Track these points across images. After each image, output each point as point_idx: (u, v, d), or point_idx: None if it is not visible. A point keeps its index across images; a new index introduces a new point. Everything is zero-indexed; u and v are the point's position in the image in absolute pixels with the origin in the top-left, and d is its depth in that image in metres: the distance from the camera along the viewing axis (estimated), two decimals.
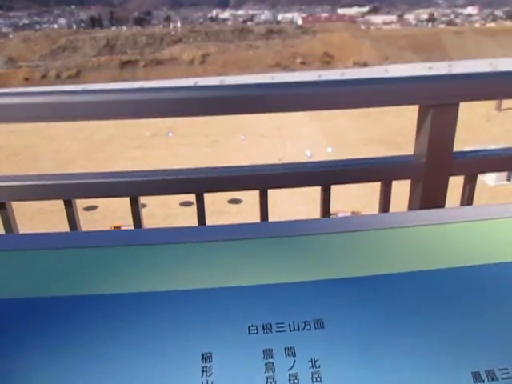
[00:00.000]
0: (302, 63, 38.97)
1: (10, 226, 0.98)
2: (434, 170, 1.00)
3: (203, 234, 0.61)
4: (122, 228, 11.21)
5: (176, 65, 37.73)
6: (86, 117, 0.90)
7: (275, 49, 40.90)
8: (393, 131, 19.23)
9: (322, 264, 0.57)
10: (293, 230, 0.62)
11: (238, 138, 18.85)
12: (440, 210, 0.72)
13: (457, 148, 1.00)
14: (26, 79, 33.39)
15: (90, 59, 37.96)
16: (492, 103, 35.63)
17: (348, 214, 11.70)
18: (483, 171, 1.07)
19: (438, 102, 0.95)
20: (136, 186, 0.97)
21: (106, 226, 11.05)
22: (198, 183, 0.98)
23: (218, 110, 0.92)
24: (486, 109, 22.45)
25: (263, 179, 1.00)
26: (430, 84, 0.96)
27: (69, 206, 0.98)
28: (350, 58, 39.50)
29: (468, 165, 1.04)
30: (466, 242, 0.61)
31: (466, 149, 1.20)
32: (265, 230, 0.62)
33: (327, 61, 39.43)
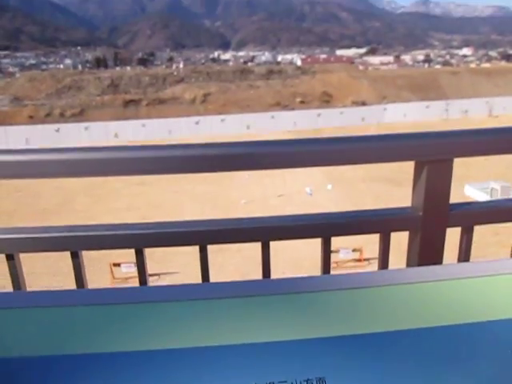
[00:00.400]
0: (302, 102, 39.74)
1: (17, 277, 1.00)
2: (431, 222, 1.02)
3: (207, 291, 0.62)
4: (122, 266, 11.13)
5: (178, 104, 38.51)
6: (92, 173, 0.94)
7: (275, 88, 41.85)
8: (391, 168, 19.44)
9: (323, 322, 0.57)
10: (294, 287, 0.63)
11: (242, 175, 19.02)
12: (438, 267, 0.74)
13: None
14: (31, 117, 34.04)
15: (94, 98, 38.81)
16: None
17: (349, 251, 11.63)
18: (480, 223, 1.09)
19: (432, 158, 0.99)
20: (141, 238, 1.00)
21: (105, 262, 10.97)
22: (201, 235, 1.01)
23: (221, 167, 0.97)
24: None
25: (265, 231, 1.03)
26: (424, 141, 1.00)
27: (75, 257, 1.01)
28: (349, 97, 40.34)
29: (465, 216, 1.07)
30: (464, 299, 0.61)
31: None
32: (267, 288, 0.63)
33: (326, 100, 40.24)
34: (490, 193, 14.49)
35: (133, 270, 10.16)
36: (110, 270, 11.25)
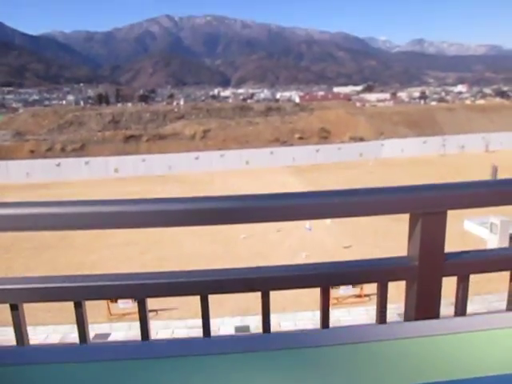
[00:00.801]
0: (300, 138, 40.23)
1: (20, 326, 1.01)
2: (428, 272, 1.05)
3: (208, 346, 0.62)
4: (119, 303, 10.94)
5: (178, 139, 38.94)
6: (93, 226, 0.96)
7: (274, 125, 42.47)
8: None
9: (323, 377, 0.57)
10: (294, 341, 0.63)
11: None
12: (435, 322, 0.75)
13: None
14: (32, 152, 34.35)
15: (95, 134, 39.29)
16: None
17: (349, 287, 11.47)
18: (475, 272, 1.11)
19: (426, 210, 1.02)
20: (143, 288, 1.01)
21: (102, 301, 10.79)
22: (202, 285, 1.03)
23: (215, 220, 1.00)
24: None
25: (265, 281, 1.05)
26: (418, 194, 1.03)
27: (78, 307, 1.02)
28: (347, 133, 40.89)
29: (460, 266, 1.10)
30: (462, 353, 0.61)
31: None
32: (267, 343, 0.63)
33: (324, 136, 40.78)
34: (490, 227, 14.45)
35: (130, 306, 10.01)
36: (106, 305, 11.07)
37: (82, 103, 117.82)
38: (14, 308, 1.00)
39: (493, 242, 12.49)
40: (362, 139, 39.58)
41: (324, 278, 1.07)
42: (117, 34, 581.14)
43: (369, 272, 1.09)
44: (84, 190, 26.42)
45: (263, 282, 1.05)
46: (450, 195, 1.06)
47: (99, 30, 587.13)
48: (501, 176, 23.29)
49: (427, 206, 1.03)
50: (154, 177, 31.56)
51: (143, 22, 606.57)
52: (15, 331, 1.01)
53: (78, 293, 1.00)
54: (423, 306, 1.05)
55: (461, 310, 1.10)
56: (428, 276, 1.05)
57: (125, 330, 10.49)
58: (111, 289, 1.01)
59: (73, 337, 9.01)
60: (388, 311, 1.13)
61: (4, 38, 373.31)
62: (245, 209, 0.97)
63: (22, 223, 0.90)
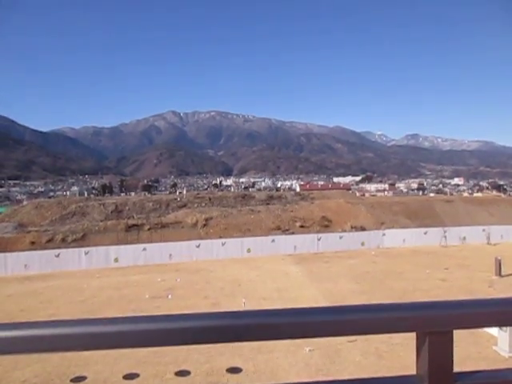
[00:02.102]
0: (302, 226, 40.61)
1: None
2: None
3: None
4: None
5: (179, 228, 39.29)
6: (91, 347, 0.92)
7: (275, 213, 43.11)
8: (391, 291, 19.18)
9: None
10: None
11: (238, 300, 18.65)
12: None
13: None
14: (33, 243, 34.50)
15: (97, 223, 39.74)
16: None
17: None
18: None
19: (433, 329, 1.03)
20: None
21: None
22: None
23: (217, 338, 0.97)
24: (487, 273, 22.79)
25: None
26: (424, 313, 1.04)
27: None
28: (348, 222, 41.33)
29: None
30: None
31: None
32: None
33: (326, 224, 41.18)
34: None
35: None
36: None
37: (86, 194, 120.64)
38: None
39: (504, 340, 12.06)
40: (362, 228, 39.91)
41: None
42: (124, 128, 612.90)
43: None
44: (82, 281, 26.13)
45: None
46: (457, 314, 1.06)
47: (106, 126, 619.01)
48: (505, 268, 23.11)
49: (434, 325, 1.04)
50: (154, 265, 31.33)
51: (149, 118, 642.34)
52: None
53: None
54: None
55: None
56: None
57: None
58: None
59: None
60: None
61: (15, 135, 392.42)
62: (247, 326, 0.96)
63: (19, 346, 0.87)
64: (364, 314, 1.02)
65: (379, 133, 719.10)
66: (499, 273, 22.70)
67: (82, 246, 33.63)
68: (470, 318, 1.06)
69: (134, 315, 0.99)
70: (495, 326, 1.11)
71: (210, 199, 53.18)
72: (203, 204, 50.56)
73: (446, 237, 36.88)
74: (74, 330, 0.88)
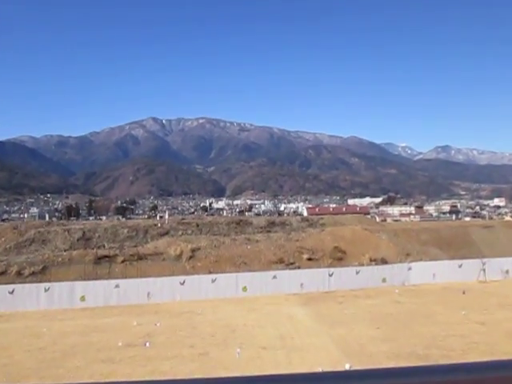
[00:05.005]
0: (309, 259, 40.48)
1: None
2: None
3: None
4: None
5: (160, 260, 39.13)
6: None
7: (277, 243, 43.04)
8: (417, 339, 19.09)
9: None
10: None
11: (232, 350, 18.59)
12: None
13: None
14: None
15: (60, 253, 39.60)
16: None
17: None
18: None
19: None
20: None
21: None
22: None
23: None
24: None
25: None
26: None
27: None
28: (366, 253, 41.26)
29: None
30: None
31: None
32: None
33: (339, 257, 41.08)
34: None
35: None
36: None
37: (47, 217, 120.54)
38: None
39: None
40: (384, 261, 39.83)
41: None
42: (94, 137, 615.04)
43: None
44: (40, 323, 25.97)
45: None
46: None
47: (73, 135, 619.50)
48: None
49: None
50: (128, 306, 31.15)
51: (125, 126, 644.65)
52: None
53: None
54: None
55: None
56: None
57: None
58: None
59: None
60: None
61: None
62: None
63: None
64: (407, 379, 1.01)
65: (403, 144, 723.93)
66: None
67: (41, 281, 33.46)
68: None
69: (126, 381, 1.02)
70: None
71: (197, 225, 53.14)
72: (189, 231, 50.49)
73: (484, 270, 36.86)
74: None
